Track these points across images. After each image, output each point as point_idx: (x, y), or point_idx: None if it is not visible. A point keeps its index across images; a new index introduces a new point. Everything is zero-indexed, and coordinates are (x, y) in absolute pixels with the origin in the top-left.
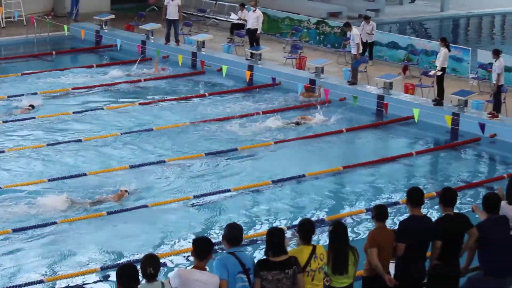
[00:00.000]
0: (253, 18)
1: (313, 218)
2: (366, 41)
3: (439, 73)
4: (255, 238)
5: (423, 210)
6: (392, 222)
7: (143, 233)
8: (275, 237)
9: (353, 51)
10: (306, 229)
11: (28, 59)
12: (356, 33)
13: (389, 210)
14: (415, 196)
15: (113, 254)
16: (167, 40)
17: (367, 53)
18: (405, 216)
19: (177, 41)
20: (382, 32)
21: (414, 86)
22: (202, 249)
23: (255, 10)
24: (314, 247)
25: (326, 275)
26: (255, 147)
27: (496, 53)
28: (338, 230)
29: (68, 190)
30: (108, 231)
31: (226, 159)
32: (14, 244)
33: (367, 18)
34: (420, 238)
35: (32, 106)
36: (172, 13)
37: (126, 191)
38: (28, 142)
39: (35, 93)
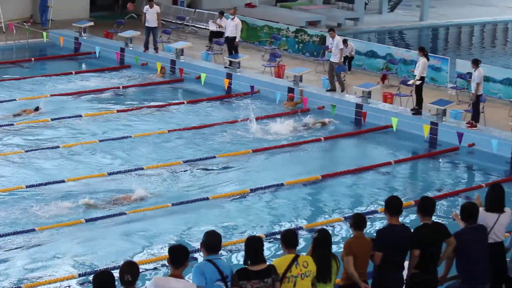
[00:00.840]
0: (232, 26)
1: (292, 226)
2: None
3: (417, 82)
4: (230, 247)
5: (402, 219)
6: (372, 231)
7: (121, 240)
8: (253, 246)
9: (335, 59)
10: (288, 239)
11: (6, 65)
12: (339, 39)
13: (368, 218)
14: (393, 205)
15: (91, 261)
16: (146, 47)
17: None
18: (383, 224)
19: (155, 49)
20: (360, 41)
21: (392, 95)
22: (178, 256)
23: (233, 18)
24: (297, 255)
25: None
26: (234, 155)
27: (476, 63)
28: (322, 237)
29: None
30: (86, 238)
31: (204, 168)
32: None
33: (345, 42)
34: (397, 247)
35: (37, 109)
36: (151, 20)
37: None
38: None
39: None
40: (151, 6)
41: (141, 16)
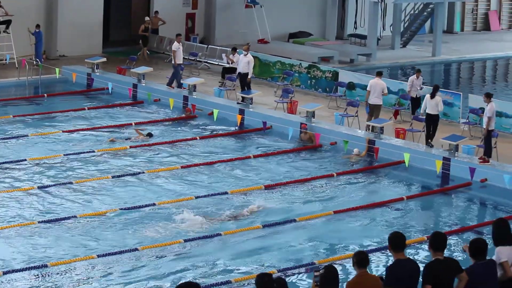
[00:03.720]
0: (244, 63)
1: (303, 262)
2: (416, 95)
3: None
4: (243, 282)
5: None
6: (384, 267)
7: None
8: (264, 283)
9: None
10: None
11: (19, 102)
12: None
13: (380, 254)
14: (396, 241)
15: None
16: (180, 86)
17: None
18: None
19: (178, 86)
20: (373, 77)
21: (405, 130)
22: None
23: (246, 54)
24: None
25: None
26: (246, 190)
27: (488, 97)
28: (330, 274)
29: None
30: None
31: (214, 204)
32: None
33: (419, 72)
34: (408, 280)
35: (150, 134)
36: (181, 57)
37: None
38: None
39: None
40: (179, 41)
41: (173, 53)
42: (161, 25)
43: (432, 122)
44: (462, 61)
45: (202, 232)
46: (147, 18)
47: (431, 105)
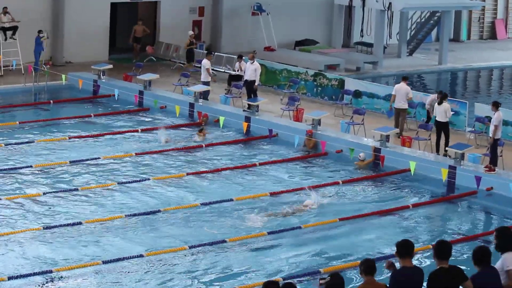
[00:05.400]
0: (251, 70)
1: (309, 270)
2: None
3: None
4: None
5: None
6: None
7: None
8: None
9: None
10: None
11: (25, 108)
12: (397, 86)
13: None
14: (403, 248)
15: None
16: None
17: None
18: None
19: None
20: (379, 85)
21: (411, 139)
22: None
23: (253, 62)
24: None
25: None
26: (249, 198)
27: (496, 105)
28: (335, 282)
29: None
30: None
31: (220, 210)
32: None
33: (440, 93)
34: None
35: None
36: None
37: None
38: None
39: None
40: (209, 59)
41: (207, 70)
42: (144, 35)
43: (442, 129)
44: (469, 70)
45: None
46: (191, 33)
47: (439, 112)
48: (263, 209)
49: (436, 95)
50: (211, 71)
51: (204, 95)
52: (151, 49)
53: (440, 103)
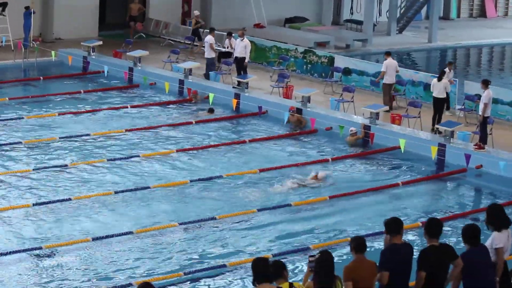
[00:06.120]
0: (241, 47)
1: (299, 247)
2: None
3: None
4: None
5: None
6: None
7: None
8: (259, 267)
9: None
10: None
11: (15, 84)
12: (387, 62)
13: (374, 240)
14: (391, 225)
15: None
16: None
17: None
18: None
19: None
20: (369, 62)
21: (400, 116)
22: None
23: (242, 39)
24: (291, 283)
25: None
26: (240, 174)
27: (485, 83)
28: (325, 259)
29: None
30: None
31: (210, 185)
32: None
33: (450, 64)
34: (403, 264)
35: (211, 110)
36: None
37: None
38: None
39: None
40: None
41: (210, 46)
42: (140, 13)
43: (439, 105)
44: (458, 48)
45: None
46: (196, 13)
47: (438, 88)
48: (280, 180)
49: (447, 68)
50: (214, 46)
51: (208, 70)
52: (141, 25)
53: (439, 79)
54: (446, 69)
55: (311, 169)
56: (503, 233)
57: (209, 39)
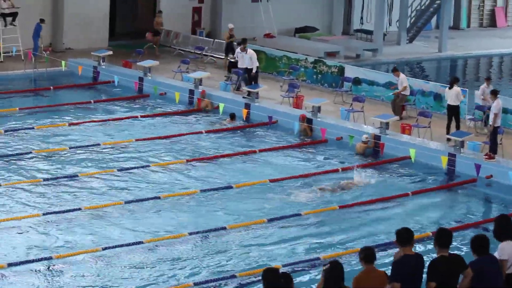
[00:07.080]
0: (247, 60)
1: (307, 257)
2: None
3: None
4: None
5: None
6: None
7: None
8: (270, 278)
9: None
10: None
11: (25, 94)
12: (404, 77)
13: (384, 250)
14: (402, 236)
15: None
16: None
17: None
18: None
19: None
20: (379, 72)
21: (411, 126)
22: None
23: (246, 52)
24: None
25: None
26: (250, 185)
27: (494, 94)
28: (334, 269)
29: None
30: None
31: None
32: None
33: (488, 80)
34: (414, 275)
35: (233, 116)
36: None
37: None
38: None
39: None
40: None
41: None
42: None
43: (452, 113)
44: (468, 58)
45: None
46: (231, 26)
47: (450, 96)
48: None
49: (485, 84)
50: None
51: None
52: (151, 35)
53: (451, 87)
54: (484, 85)
55: (323, 178)
56: (509, 244)
57: (252, 53)
